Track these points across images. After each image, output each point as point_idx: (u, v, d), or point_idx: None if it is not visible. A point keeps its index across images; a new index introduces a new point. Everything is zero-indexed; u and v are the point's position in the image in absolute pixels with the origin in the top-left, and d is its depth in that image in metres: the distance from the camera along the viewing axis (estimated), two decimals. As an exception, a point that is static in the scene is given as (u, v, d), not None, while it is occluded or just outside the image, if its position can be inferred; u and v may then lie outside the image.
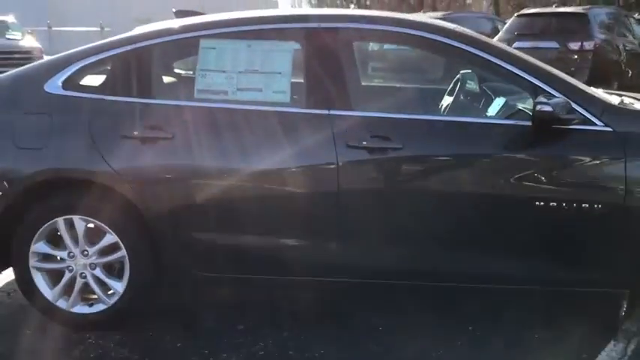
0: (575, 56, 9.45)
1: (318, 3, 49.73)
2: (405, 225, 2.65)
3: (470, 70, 3.31)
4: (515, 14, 10.78)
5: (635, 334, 2.78)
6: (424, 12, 13.19)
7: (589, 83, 8.57)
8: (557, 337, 2.76)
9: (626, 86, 9.82)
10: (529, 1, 39.00)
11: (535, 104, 2.43)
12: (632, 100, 3.07)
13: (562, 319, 2.89)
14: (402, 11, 36.54)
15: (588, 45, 9.35)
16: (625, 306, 2.75)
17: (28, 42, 17.98)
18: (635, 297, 2.76)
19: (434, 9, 39.95)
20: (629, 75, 10.52)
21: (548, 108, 2.39)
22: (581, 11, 10.17)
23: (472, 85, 3.37)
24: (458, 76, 3.45)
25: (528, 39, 9.82)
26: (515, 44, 9.91)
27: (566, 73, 8.06)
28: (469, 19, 12.04)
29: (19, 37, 17.93)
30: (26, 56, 17.16)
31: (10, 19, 18.77)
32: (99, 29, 33.14)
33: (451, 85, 3.51)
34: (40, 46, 18.38)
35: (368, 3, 50.28)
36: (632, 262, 2.60)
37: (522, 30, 10.03)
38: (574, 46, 9.40)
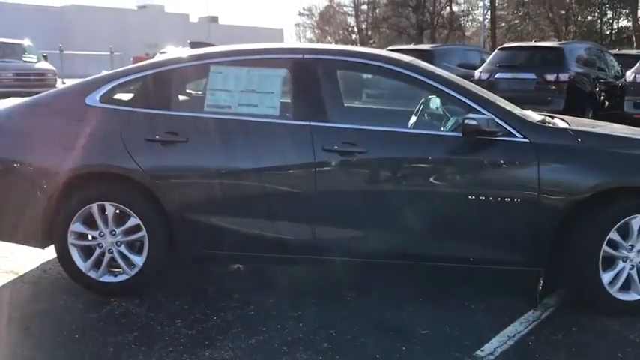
0: (552, 87, 10.21)
1: (321, 33, 51.16)
2: (367, 211, 3.37)
3: (433, 96, 4.04)
4: (498, 48, 11.61)
5: (551, 305, 3.48)
6: (415, 44, 14.03)
7: (565, 111, 9.35)
8: (487, 306, 3.45)
9: (600, 115, 10.57)
10: (525, 34, 40.17)
11: (464, 119, 3.17)
12: (557, 121, 3.81)
13: (492, 293, 3.59)
14: (400, 43, 37.51)
15: (563, 76, 10.11)
16: (542, 282, 3.44)
17: (43, 64, 18.87)
18: (550, 275, 3.45)
19: (433, 40, 41.16)
20: (606, 105, 11.26)
21: (473, 122, 3.13)
22: (557, 46, 10.97)
23: (434, 107, 4.09)
24: (422, 99, 4.18)
25: (509, 70, 10.62)
26: (497, 75, 10.74)
27: (544, 102, 8.85)
28: (458, 52, 12.86)
29: (35, 59, 18.84)
30: (41, 77, 18.09)
31: (26, 42, 19.69)
32: (109, 53, 34.27)
33: (417, 107, 4.24)
34: (54, 68, 19.30)
35: (369, 33, 51.64)
36: (544, 245, 3.31)
37: (503, 62, 10.81)
38: (550, 77, 10.17)
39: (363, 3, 48.86)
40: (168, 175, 3.46)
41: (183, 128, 3.46)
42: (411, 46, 13.24)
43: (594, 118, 10.65)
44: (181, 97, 3.92)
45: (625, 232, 3.29)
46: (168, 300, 3.53)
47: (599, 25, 38.00)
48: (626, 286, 3.35)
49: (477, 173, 3.31)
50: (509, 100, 9.94)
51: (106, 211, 3.49)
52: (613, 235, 3.26)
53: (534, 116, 3.66)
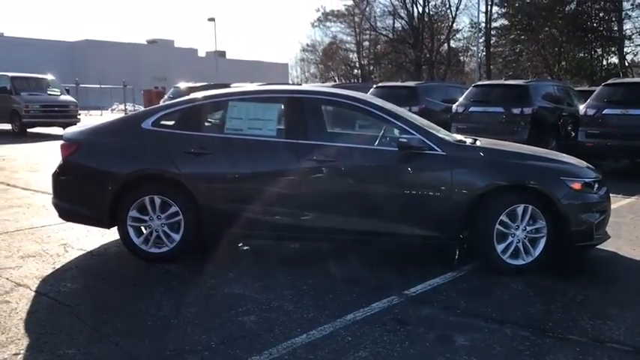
0: (517, 119, 11.76)
1: (324, 69, 53.50)
2: (334, 202, 4.88)
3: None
4: (472, 85, 13.23)
5: (465, 270, 4.95)
6: (402, 81, 15.68)
7: (529, 141, 10.87)
8: (421, 269, 4.92)
9: (563, 145, 12.07)
10: (521, 71, 42.03)
11: (399, 139, 4.72)
12: (479, 142, 5.30)
13: (426, 261, 5.09)
14: (399, 77, 39.18)
15: (527, 110, 11.67)
16: (457, 252, 4.94)
17: (66, 97, 20.66)
18: (463, 247, 4.94)
19: (431, 75, 43.09)
20: (572, 135, 12.75)
21: (404, 140, 4.68)
22: (523, 84, 12.56)
23: (394, 132, 5.61)
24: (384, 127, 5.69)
25: (481, 105, 12.20)
26: (471, 109, 12.33)
27: (510, 133, 10.53)
28: (440, 88, 14.49)
29: (58, 92, 20.64)
30: (64, 109, 19.89)
31: (49, 77, 21.56)
32: (122, 86, 36.29)
33: (380, 132, 5.75)
34: (75, 101, 21.12)
35: (372, 68, 53.80)
36: (458, 225, 4.81)
37: (476, 97, 12.40)
38: (516, 111, 11.73)
39: (365, 40, 51.16)
40: (199, 177, 4.98)
41: (210, 144, 5.02)
42: (398, 83, 14.92)
43: (558, 147, 12.17)
44: (208, 123, 5.48)
45: (513, 217, 4.79)
46: (197, 265, 5.02)
47: (589, 62, 39.71)
48: (516, 254, 4.83)
49: (410, 175, 4.84)
50: (482, 130, 11.77)
51: (154, 202, 5.01)
52: (504, 218, 4.76)
53: (455, 137, 5.21)
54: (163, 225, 5.02)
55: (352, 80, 49.75)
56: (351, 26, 49.96)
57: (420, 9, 45.24)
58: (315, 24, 51.50)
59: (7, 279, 4.61)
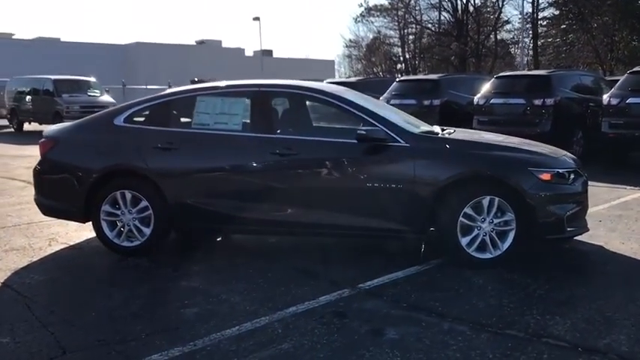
0: (540, 111, 11.31)
1: (368, 64, 53.07)
2: (298, 195, 4.85)
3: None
4: (494, 76, 12.86)
5: (430, 263, 4.83)
6: (425, 74, 15.36)
7: (552, 132, 10.43)
8: (387, 262, 4.84)
9: (589, 136, 11.59)
10: (571, 61, 40.58)
11: (357, 130, 4.65)
12: (456, 133, 5.17)
13: (393, 255, 4.99)
14: (444, 70, 38.51)
15: (549, 101, 11.22)
16: (423, 246, 4.82)
17: (105, 98, 21.36)
18: (429, 242, 4.82)
19: (477, 68, 42.16)
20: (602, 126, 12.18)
21: (363, 132, 4.61)
22: (545, 74, 12.08)
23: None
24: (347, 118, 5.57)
25: (502, 96, 11.83)
26: (492, 100, 11.99)
27: (532, 124, 10.19)
28: (465, 81, 14.15)
29: (98, 94, 21.40)
30: (103, 109, 20.47)
31: (92, 79, 22.36)
32: (167, 87, 37.19)
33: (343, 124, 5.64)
34: (114, 101, 21.75)
35: (417, 62, 53.04)
36: (422, 218, 4.70)
37: (498, 89, 12.01)
38: (537, 102, 11.30)
39: (409, 34, 50.48)
40: (167, 171, 5.05)
41: (177, 139, 5.08)
42: (421, 76, 14.69)
43: (585, 139, 11.68)
44: (177, 119, 5.55)
45: (479, 209, 4.64)
46: (164, 258, 5.11)
47: (643, 51, 37.91)
48: (482, 248, 4.68)
49: (371, 168, 4.76)
50: (503, 123, 11.48)
51: (125, 196, 5.10)
52: (468, 210, 4.62)
53: (425, 127, 5.10)
54: (134, 219, 5.10)
55: (397, 75, 49.15)
56: (395, 20, 49.28)
57: (465, 0, 44.28)
58: (358, 19, 51.03)
59: (-19, 271, 4.82)
